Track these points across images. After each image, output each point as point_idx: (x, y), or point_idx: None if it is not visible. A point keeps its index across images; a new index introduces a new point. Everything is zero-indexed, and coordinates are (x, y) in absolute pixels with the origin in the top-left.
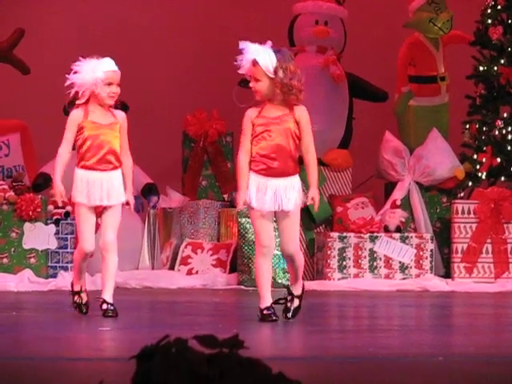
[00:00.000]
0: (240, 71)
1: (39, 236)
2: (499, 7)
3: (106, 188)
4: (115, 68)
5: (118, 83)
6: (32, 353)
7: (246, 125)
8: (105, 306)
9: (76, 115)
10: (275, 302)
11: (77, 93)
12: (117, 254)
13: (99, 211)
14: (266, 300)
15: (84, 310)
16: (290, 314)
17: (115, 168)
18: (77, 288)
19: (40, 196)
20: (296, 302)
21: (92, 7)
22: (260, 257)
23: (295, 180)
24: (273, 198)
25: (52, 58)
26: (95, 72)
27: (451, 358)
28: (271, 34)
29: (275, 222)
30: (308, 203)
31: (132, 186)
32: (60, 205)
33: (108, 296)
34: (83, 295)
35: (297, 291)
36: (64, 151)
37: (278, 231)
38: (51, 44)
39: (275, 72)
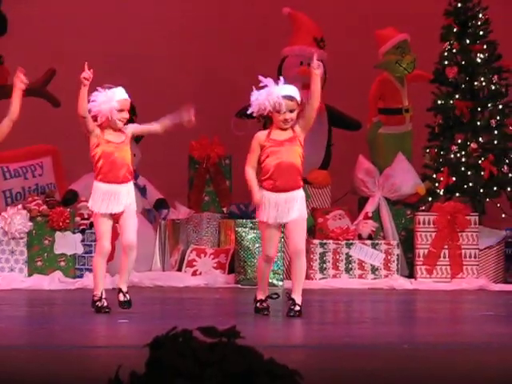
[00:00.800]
0: (268, 106)
1: (68, 243)
2: (454, 50)
3: (120, 199)
4: (126, 96)
5: (128, 109)
6: (61, 342)
7: (254, 145)
8: (122, 298)
9: (95, 131)
10: (269, 297)
11: (94, 117)
12: (136, 252)
13: (116, 218)
14: (262, 292)
15: (106, 311)
16: (291, 314)
17: (128, 181)
18: (98, 294)
19: (69, 209)
20: (297, 307)
21: (97, 43)
22: (262, 262)
23: (299, 193)
24: (280, 210)
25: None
26: (110, 102)
27: (415, 346)
28: (263, 72)
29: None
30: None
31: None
32: (86, 216)
33: (124, 286)
34: (104, 300)
35: (298, 299)
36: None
37: (285, 235)
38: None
39: (301, 100)
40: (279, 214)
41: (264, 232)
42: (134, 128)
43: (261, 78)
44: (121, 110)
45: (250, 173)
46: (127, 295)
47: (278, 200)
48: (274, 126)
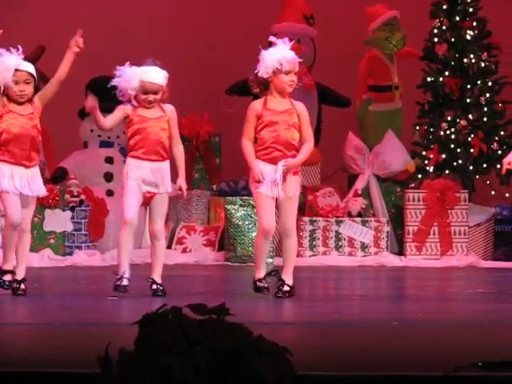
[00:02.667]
0: (277, 65)
1: (58, 220)
2: (444, 27)
3: (154, 177)
4: (152, 80)
5: (155, 92)
6: (51, 319)
7: (251, 116)
8: (155, 287)
9: (125, 107)
10: (268, 274)
11: (120, 94)
12: (164, 240)
13: (147, 199)
14: (261, 271)
15: (121, 290)
16: (280, 294)
17: (164, 159)
18: (120, 273)
19: (58, 187)
20: (286, 287)
21: (92, 18)
22: (261, 237)
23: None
24: (278, 183)
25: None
26: (130, 82)
27: (404, 322)
28: (253, 49)
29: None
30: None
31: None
32: (75, 194)
33: (157, 277)
34: (124, 279)
35: (288, 280)
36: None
37: (278, 210)
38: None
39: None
40: (272, 186)
41: (259, 204)
42: (172, 115)
43: (272, 38)
44: (145, 93)
45: (248, 146)
46: (160, 286)
47: (272, 172)
48: (270, 93)
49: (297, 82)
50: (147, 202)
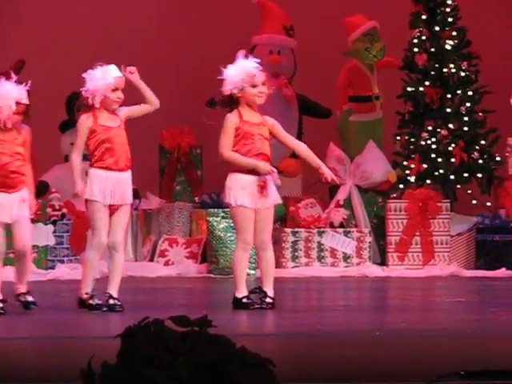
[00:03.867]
0: (243, 80)
1: (40, 234)
2: (424, 38)
3: (119, 188)
4: (121, 74)
5: (122, 88)
6: (33, 333)
7: (230, 128)
8: (112, 302)
9: (85, 122)
10: (251, 292)
11: (87, 98)
12: (124, 253)
13: (112, 210)
14: (243, 290)
15: (102, 309)
16: (263, 306)
17: (127, 168)
18: (88, 291)
19: (40, 201)
20: (268, 299)
21: (77, 26)
22: (241, 251)
23: (272, 177)
24: (256, 194)
25: (49, 77)
26: (106, 79)
27: (387, 332)
28: (233, 60)
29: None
30: (329, 179)
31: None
32: (57, 208)
33: (114, 291)
34: (95, 298)
35: (270, 292)
36: (77, 158)
37: (254, 222)
38: (47, 66)
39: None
40: (252, 198)
41: (240, 217)
42: (126, 111)
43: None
44: (115, 90)
45: (232, 153)
46: (118, 301)
47: (251, 184)
48: (242, 106)
49: (267, 91)
50: (112, 212)
